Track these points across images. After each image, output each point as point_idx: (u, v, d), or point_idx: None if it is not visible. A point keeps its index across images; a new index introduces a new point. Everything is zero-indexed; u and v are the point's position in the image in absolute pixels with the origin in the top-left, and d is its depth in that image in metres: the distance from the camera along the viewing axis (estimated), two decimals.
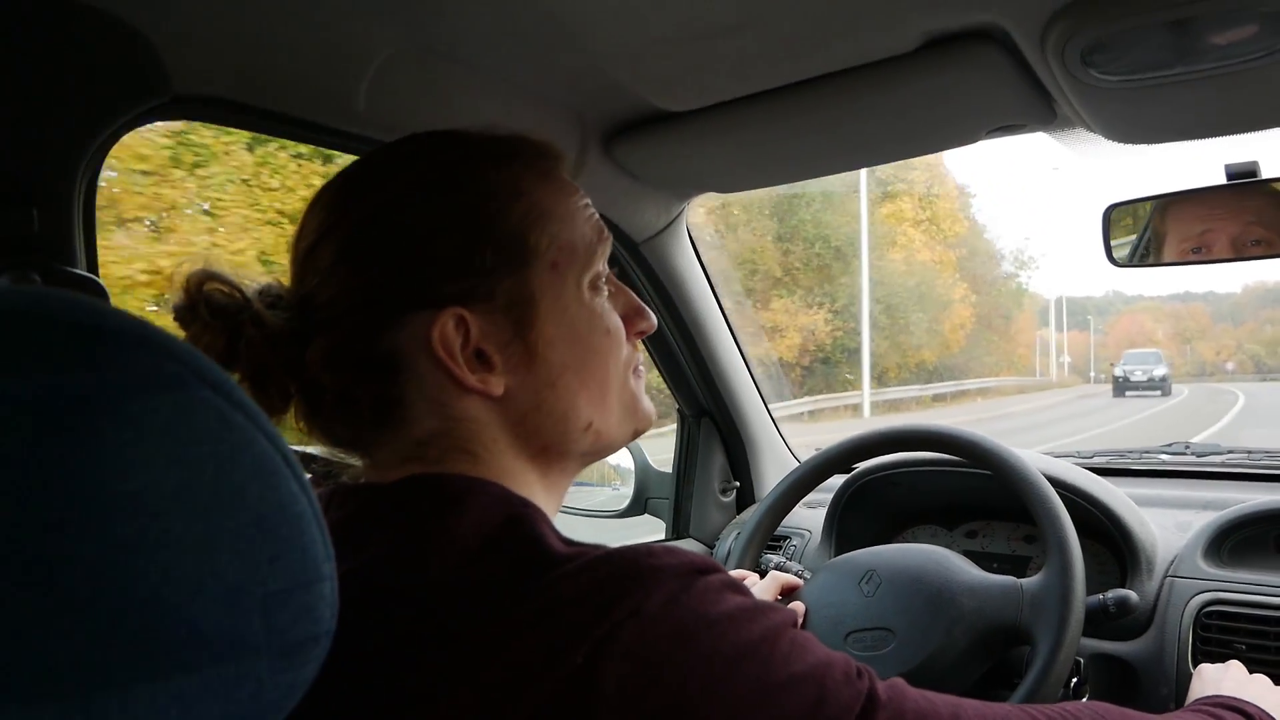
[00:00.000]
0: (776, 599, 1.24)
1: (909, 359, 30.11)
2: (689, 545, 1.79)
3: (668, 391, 1.80)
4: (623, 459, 1.84)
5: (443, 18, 1.00)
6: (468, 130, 0.71)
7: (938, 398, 27.67)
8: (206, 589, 0.42)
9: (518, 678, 0.51)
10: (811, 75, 1.09)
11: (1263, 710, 0.87)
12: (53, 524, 0.39)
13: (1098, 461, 1.70)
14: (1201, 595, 1.22)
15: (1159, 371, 30.64)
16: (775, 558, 1.44)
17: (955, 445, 1.27)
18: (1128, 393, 29.91)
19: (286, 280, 0.70)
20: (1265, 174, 1.26)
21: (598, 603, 0.53)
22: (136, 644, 0.41)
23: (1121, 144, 1.14)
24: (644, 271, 1.58)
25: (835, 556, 1.35)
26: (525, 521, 0.59)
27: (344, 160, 0.75)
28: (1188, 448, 1.70)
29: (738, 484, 1.85)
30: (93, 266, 0.97)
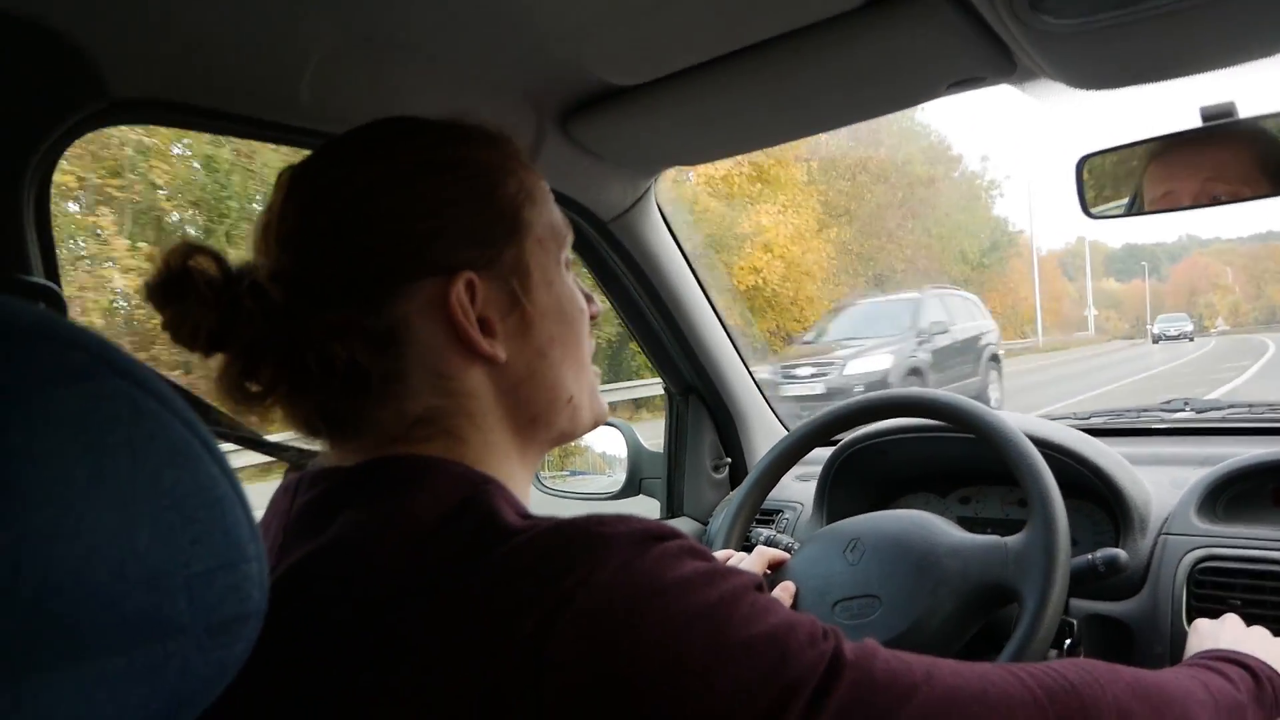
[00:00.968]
0: (765, 573, 1.23)
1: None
2: (684, 523, 1.78)
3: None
4: (615, 445, 1.84)
5: (382, 6, 0.99)
6: (436, 118, 0.72)
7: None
8: (128, 572, 0.43)
9: (470, 650, 0.51)
10: (759, 39, 1.07)
11: (1262, 661, 0.85)
12: None
13: (1094, 422, 1.67)
14: (1195, 552, 1.20)
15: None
16: (766, 532, 1.43)
17: (935, 409, 1.25)
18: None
19: None
20: (1241, 114, 1.22)
21: (547, 572, 0.53)
22: (60, 628, 0.41)
23: (1085, 90, 1.11)
24: (615, 250, 1.56)
25: None
26: (483, 498, 0.60)
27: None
28: (1186, 404, 1.68)
29: (729, 460, 1.84)
30: (51, 274, 0.97)
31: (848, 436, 1.53)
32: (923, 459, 1.54)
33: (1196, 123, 1.25)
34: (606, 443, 1.84)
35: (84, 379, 0.43)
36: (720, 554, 1.27)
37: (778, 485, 1.41)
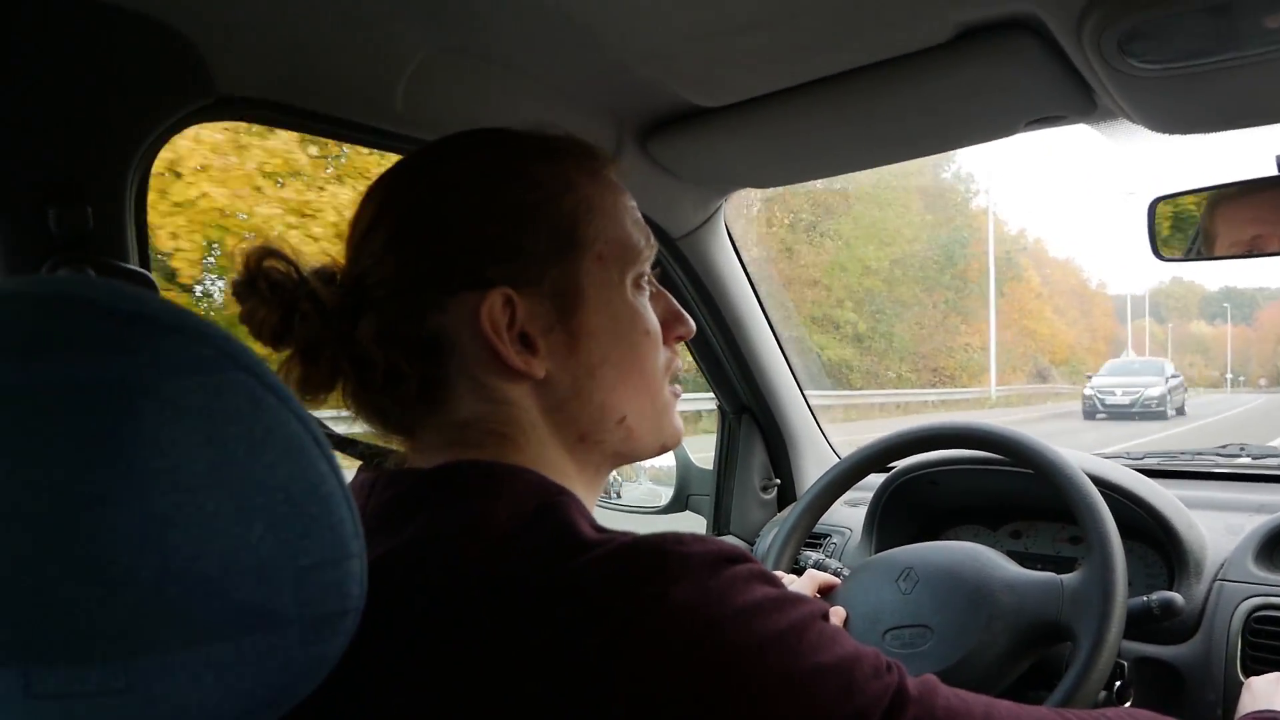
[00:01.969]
0: (815, 597, 1.24)
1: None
2: (729, 542, 1.78)
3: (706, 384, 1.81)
4: (664, 457, 1.85)
5: (476, 20, 1.02)
6: (517, 129, 0.73)
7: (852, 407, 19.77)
8: (240, 562, 0.44)
9: (540, 658, 0.52)
10: (843, 69, 1.09)
11: None
12: (95, 498, 0.42)
13: (1148, 463, 1.66)
14: (1251, 600, 1.19)
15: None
16: (815, 555, 1.43)
17: (994, 443, 1.26)
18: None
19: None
20: None
21: (621, 587, 0.54)
22: (175, 612, 0.43)
23: (1165, 134, 1.11)
24: (682, 267, 1.58)
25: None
26: (558, 508, 0.60)
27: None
28: (1242, 449, 1.66)
29: (778, 481, 1.84)
30: (144, 260, 1.00)
31: (901, 465, 1.53)
32: (974, 491, 1.54)
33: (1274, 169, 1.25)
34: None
35: (210, 371, 0.45)
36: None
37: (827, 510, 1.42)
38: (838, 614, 1.20)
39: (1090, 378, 25.36)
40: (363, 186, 0.74)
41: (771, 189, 1.55)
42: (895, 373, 28.66)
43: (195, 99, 0.97)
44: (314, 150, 7.94)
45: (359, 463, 0.77)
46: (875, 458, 1.38)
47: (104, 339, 0.44)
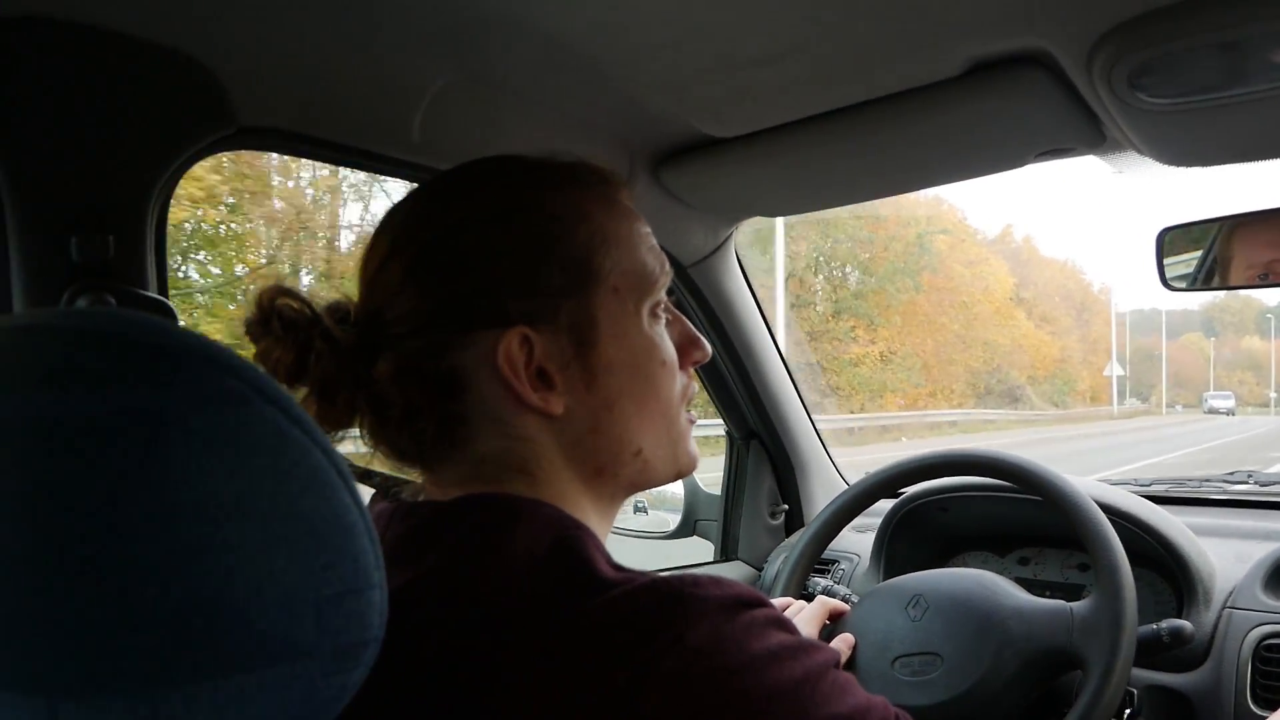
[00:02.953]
0: (825, 623, 1.24)
1: None
2: (736, 567, 1.79)
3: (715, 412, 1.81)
4: (672, 484, 1.85)
5: (493, 50, 1.04)
6: (529, 156, 0.72)
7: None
8: (265, 593, 0.45)
9: (559, 697, 0.52)
10: (856, 101, 1.10)
11: None
12: (122, 529, 0.42)
13: (1155, 490, 1.66)
14: (1261, 628, 1.19)
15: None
16: (823, 581, 1.43)
17: (1003, 470, 1.26)
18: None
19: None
20: None
21: (641, 629, 0.54)
22: (199, 644, 0.43)
23: (1174, 167, 1.12)
24: (693, 294, 1.59)
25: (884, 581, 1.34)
26: (575, 544, 0.60)
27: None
28: (1250, 476, 1.66)
29: (786, 507, 1.84)
30: (163, 289, 1.01)
31: (910, 491, 1.53)
32: (983, 517, 1.54)
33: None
34: None
35: (238, 403, 0.45)
36: (778, 601, 1.28)
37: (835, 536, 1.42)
38: (847, 641, 1.19)
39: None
40: None
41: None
42: None
43: (216, 129, 0.98)
44: None
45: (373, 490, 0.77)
46: (885, 484, 1.38)
47: (131, 371, 0.44)
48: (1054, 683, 1.13)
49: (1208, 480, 1.68)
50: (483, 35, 1.01)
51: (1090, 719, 1.02)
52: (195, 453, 0.44)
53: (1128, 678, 1.04)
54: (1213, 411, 45.54)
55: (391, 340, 0.66)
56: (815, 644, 0.59)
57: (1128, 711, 1.15)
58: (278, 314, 0.65)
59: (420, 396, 0.65)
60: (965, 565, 1.55)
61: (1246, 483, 1.63)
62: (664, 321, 0.73)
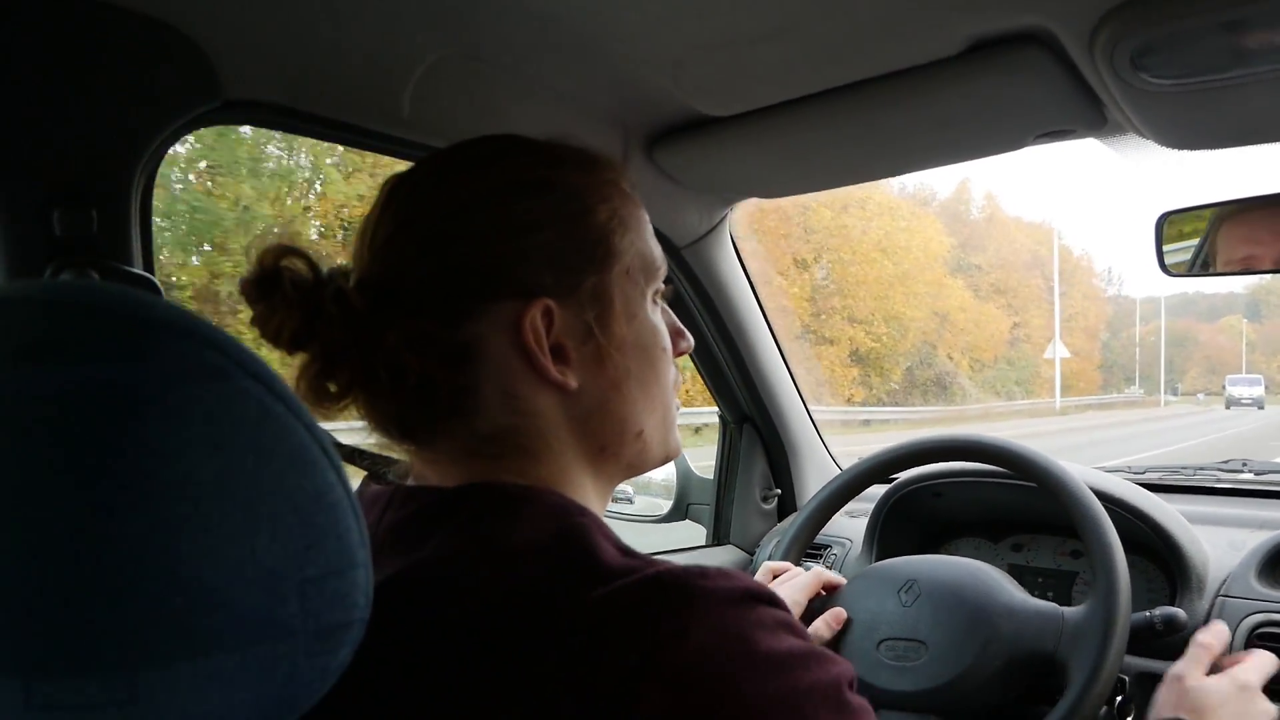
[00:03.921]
0: (819, 594, 1.24)
1: None
2: (729, 552, 1.78)
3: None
4: (665, 468, 1.84)
5: (484, 25, 1.02)
6: (536, 138, 0.72)
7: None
8: (246, 572, 0.44)
9: (559, 687, 0.51)
10: (854, 80, 1.09)
11: None
12: (99, 507, 0.41)
13: (1150, 477, 1.66)
14: (1254, 616, 1.19)
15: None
16: (815, 566, 1.42)
17: (999, 457, 1.25)
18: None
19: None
20: None
21: (645, 620, 0.53)
22: (179, 623, 0.42)
23: (1176, 149, 1.11)
24: (686, 276, 1.57)
25: None
26: (580, 532, 0.59)
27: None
28: (1245, 465, 1.66)
29: (779, 491, 1.84)
30: (148, 265, 1.00)
31: (903, 476, 1.53)
32: (977, 503, 1.53)
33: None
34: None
35: (218, 378, 0.44)
36: (776, 565, 1.28)
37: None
38: (838, 615, 1.20)
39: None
40: None
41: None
42: None
43: (202, 102, 0.96)
44: None
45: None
46: (879, 469, 1.38)
47: (110, 344, 0.43)
48: (1038, 682, 1.13)
49: (1202, 468, 1.68)
50: (474, 10, 0.99)
51: (1077, 713, 1.01)
52: (174, 429, 0.42)
53: (1113, 680, 1.04)
54: (1234, 402, 38.43)
55: (407, 307, 0.64)
56: (827, 655, 0.58)
57: (1119, 699, 1.15)
58: (287, 274, 0.62)
59: (434, 366, 0.64)
60: (958, 551, 1.55)
61: (1242, 471, 1.63)
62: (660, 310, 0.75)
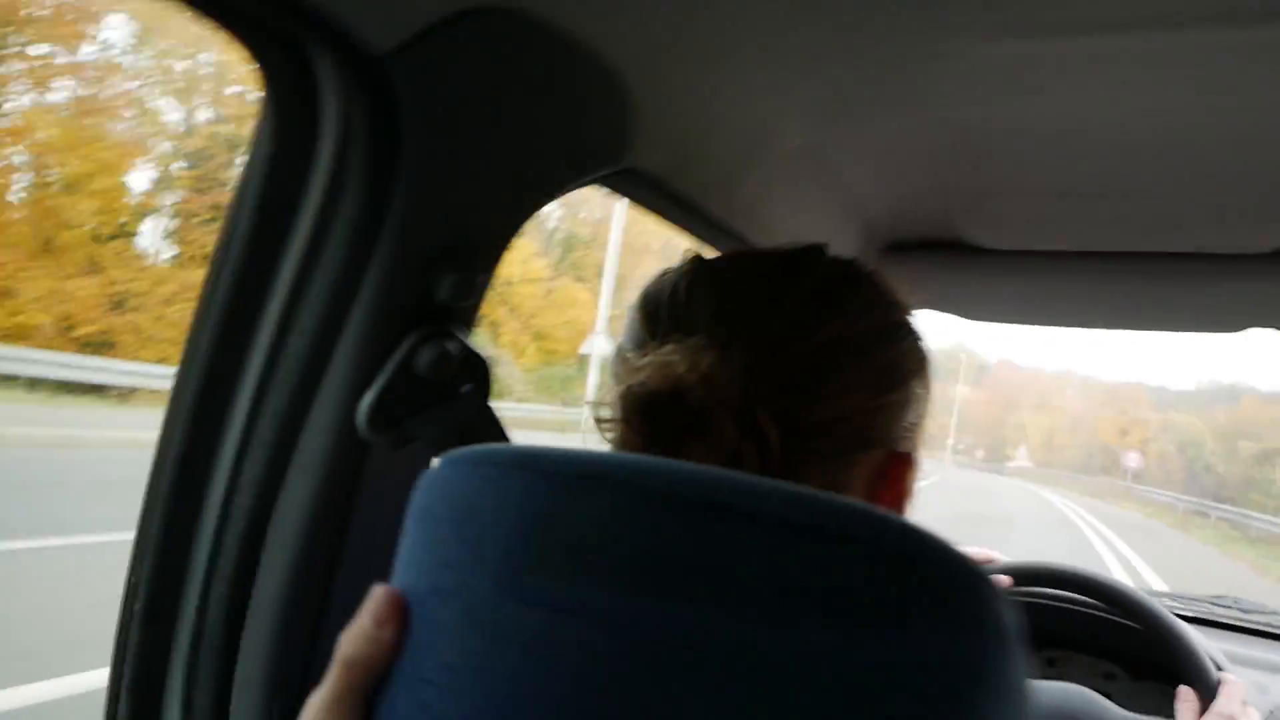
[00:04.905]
0: None
1: None
2: None
3: None
4: None
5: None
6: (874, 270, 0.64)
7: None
8: None
9: None
10: (1152, 251, 1.12)
11: None
12: None
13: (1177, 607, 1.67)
14: None
15: None
16: None
17: (1104, 594, 1.26)
18: None
19: None
20: None
21: None
22: None
23: None
24: None
25: None
26: None
27: None
28: (1235, 603, 1.76)
29: None
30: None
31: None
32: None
33: None
34: None
35: (1006, 641, 0.38)
36: None
37: None
38: None
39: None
40: None
41: None
42: None
43: (609, 164, 0.82)
44: None
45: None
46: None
47: (963, 611, 0.36)
48: None
49: (1194, 600, 1.78)
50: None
51: None
52: (993, 713, 0.36)
53: None
54: None
55: (825, 450, 0.57)
56: None
57: None
58: (708, 405, 0.53)
59: None
60: None
61: (1230, 608, 1.74)
62: None
